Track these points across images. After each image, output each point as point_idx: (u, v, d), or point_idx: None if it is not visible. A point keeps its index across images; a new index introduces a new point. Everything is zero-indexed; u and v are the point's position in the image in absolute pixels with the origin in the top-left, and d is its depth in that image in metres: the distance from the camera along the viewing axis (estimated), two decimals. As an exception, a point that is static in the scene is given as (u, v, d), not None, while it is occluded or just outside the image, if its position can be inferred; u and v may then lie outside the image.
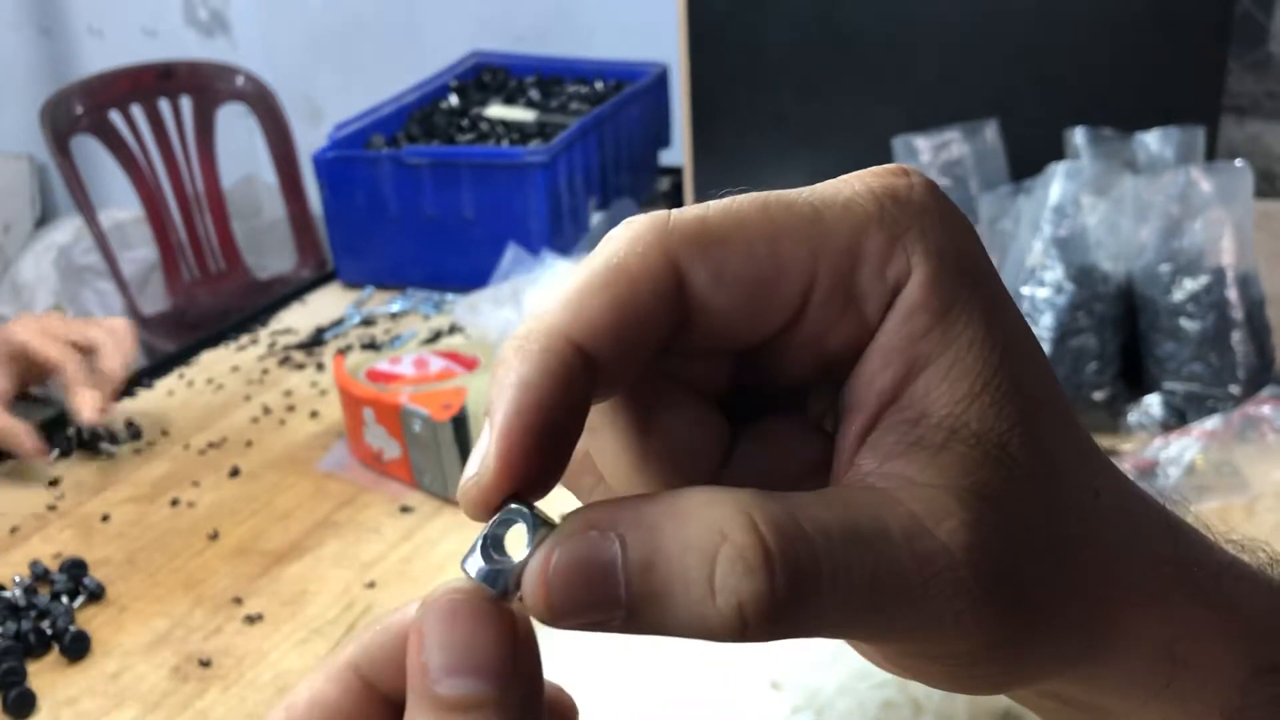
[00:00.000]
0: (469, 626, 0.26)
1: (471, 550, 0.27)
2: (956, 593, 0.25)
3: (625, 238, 0.26)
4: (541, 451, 0.26)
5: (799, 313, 0.27)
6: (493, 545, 0.27)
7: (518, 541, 0.26)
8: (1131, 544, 0.29)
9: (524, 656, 0.26)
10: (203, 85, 2.55)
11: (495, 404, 0.26)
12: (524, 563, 0.26)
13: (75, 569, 1.01)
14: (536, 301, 0.28)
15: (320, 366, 1.39)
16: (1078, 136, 1.26)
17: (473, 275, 1.49)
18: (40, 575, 1.01)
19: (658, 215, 0.27)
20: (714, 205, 0.27)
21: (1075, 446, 0.28)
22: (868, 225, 0.26)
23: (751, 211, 0.26)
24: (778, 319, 0.27)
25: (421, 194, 1.54)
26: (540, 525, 0.26)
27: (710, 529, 0.24)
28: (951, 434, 0.26)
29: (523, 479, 0.26)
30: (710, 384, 0.29)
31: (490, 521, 0.27)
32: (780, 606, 0.24)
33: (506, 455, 0.25)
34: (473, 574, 0.27)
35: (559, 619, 0.25)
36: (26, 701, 0.87)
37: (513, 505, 0.27)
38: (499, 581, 0.26)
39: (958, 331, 0.26)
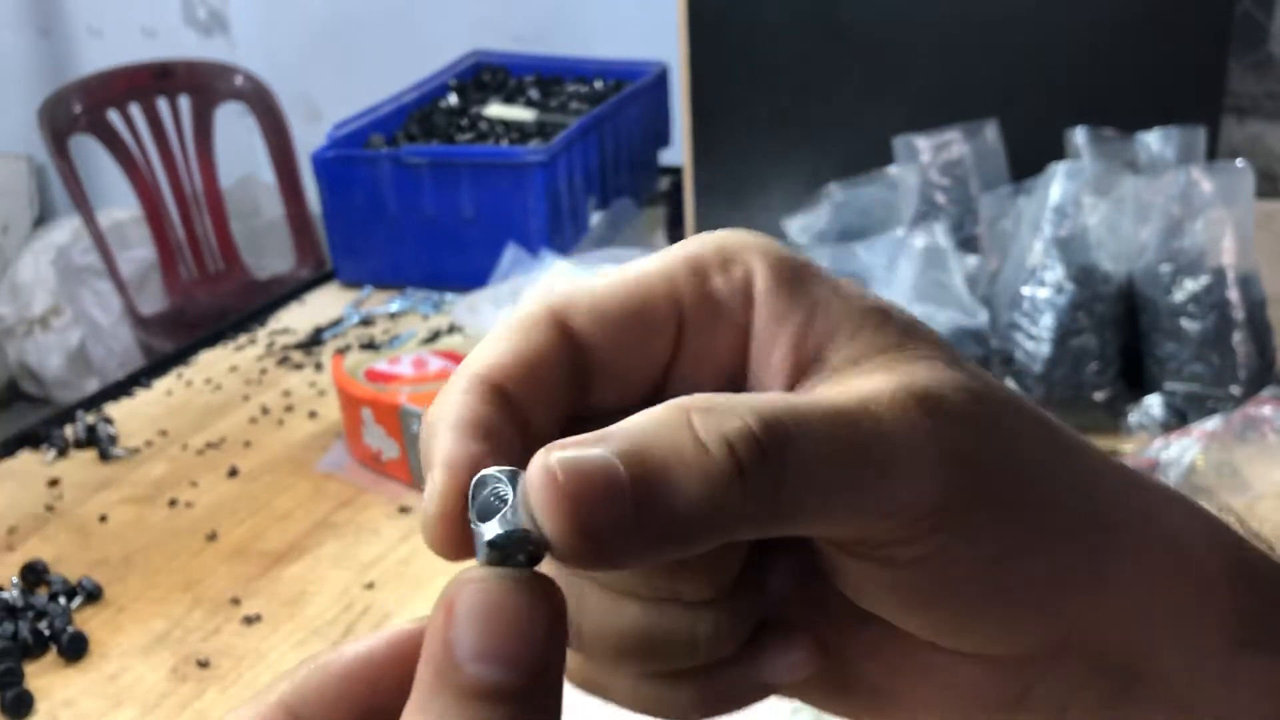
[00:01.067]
0: (515, 612, 0.25)
1: (476, 531, 0.26)
2: (909, 421, 0.27)
3: (514, 311, 0.30)
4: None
5: (681, 336, 0.30)
6: (483, 513, 0.26)
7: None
8: (1064, 432, 0.30)
9: (558, 658, 0.25)
10: (201, 85, 2.55)
11: (439, 437, 0.27)
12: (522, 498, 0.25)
13: (31, 574, 1.00)
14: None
15: (319, 366, 1.39)
16: (1078, 136, 1.25)
17: (472, 275, 1.49)
18: (38, 576, 1.01)
19: (539, 296, 0.30)
20: (582, 281, 0.30)
21: (955, 351, 0.30)
22: (699, 250, 0.30)
23: (610, 272, 0.30)
24: (662, 344, 0.30)
25: (421, 194, 1.54)
26: (517, 476, 0.26)
27: (673, 409, 0.26)
28: (856, 360, 0.29)
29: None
30: None
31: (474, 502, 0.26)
32: (764, 444, 0.25)
33: (454, 469, 0.27)
34: (486, 536, 0.25)
35: (579, 536, 0.25)
36: (24, 702, 0.87)
37: (483, 473, 0.26)
38: (518, 544, 0.25)
39: (814, 294, 0.29)
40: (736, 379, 0.30)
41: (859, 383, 0.28)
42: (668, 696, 0.30)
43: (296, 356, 1.42)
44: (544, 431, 0.29)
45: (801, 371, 0.29)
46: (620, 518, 0.25)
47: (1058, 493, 0.29)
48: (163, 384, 1.38)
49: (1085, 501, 0.29)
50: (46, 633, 0.93)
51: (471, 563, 0.26)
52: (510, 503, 0.25)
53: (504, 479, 0.26)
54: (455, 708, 0.24)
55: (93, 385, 2.86)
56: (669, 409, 0.26)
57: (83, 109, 2.41)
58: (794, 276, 0.30)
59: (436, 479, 0.27)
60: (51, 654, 0.93)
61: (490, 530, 0.25)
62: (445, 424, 0.27)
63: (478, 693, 0.24)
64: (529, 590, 0.25)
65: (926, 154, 1.32)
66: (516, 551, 0.25)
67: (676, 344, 0.30)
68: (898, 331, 0.29)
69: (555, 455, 0.25)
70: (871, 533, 0.27)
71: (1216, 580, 0.31)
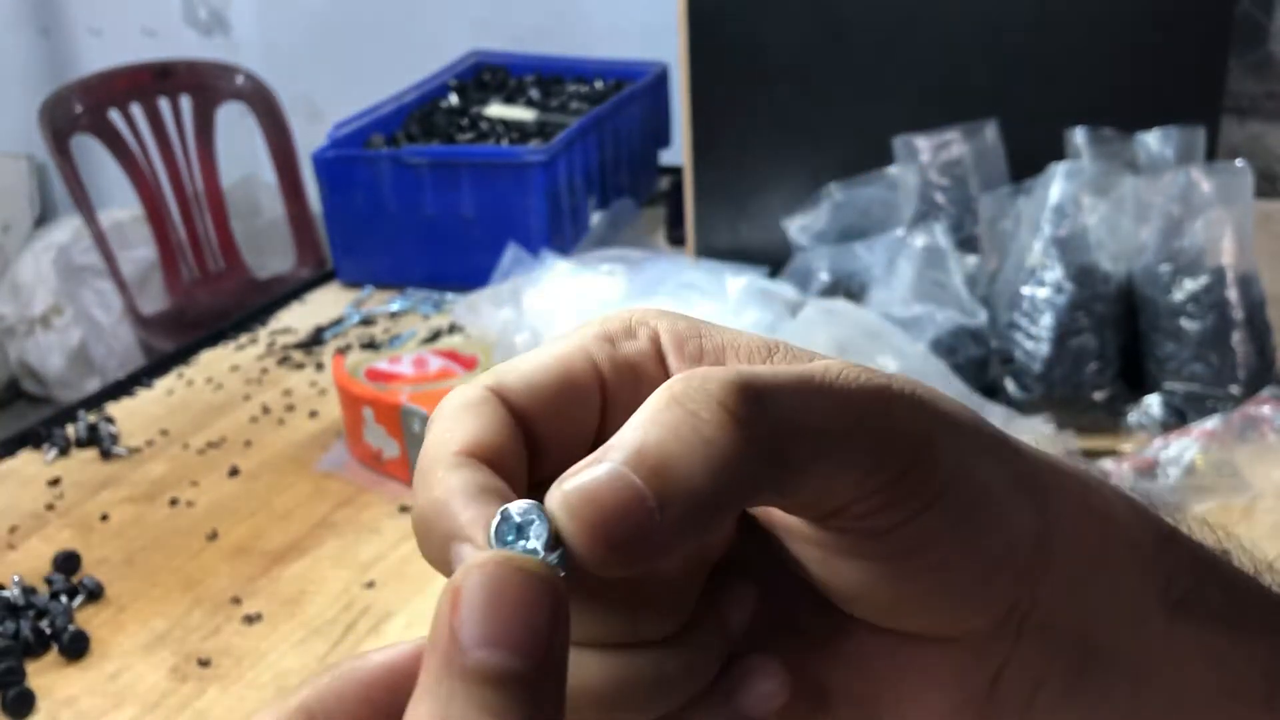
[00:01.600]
0: (519, 597, 0.25)
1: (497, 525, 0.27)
2: (891, 404, 0.29)
3: (453, 393, 0.31)
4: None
5: (606, 399, 0.31)
6: (500, 536, 0.27)
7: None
8: (996, 430, 0.32)
9: (562, 644, 0.25)
10: (202, 84, 2.55)
11: (458, 514, 0.28)
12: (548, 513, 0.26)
13: (68, 563, 1.01)
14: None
15: (319, 366, 1.39)
16: (1078, 136, 1.25)
17: (472, 275, 1.49)
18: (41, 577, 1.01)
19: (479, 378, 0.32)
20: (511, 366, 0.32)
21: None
22: (601, 324, 0.32)
23: (535, 350, 0.32)
24: (593, 407, 0.31)
25: (421, 193, 1.54)
26: (541, 503, 0.27)
27: (656, 395, 0.27)
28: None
29: None
30: None
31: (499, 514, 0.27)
32: (752, 390, 0.27)
33: (485, 490, 0.28)
34: (499, 541, 0.26)
35: (607, 548, 0.26)
36: (25, 701, 0.87)
37: (506, 507, 0.27)
38: (534, 537, 0.26)
39: (716, 339, 0.31)
40: None
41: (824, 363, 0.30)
42: None
43: (297, 356, 1.42)
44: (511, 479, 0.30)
45: None
46: (647, 522, 0.26)
47: (997, 465, 0.31)
48: (164, 383, 1.38)
49: (1021, 474, 0.31)
50: (48, 631, 0.93)
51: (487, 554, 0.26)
52: (540, 517, 0.27)
53: (530, 507, 0.27)
54: (461, 692, 0.24)
55: (94, 384, 2.86)
56: (651, 399, 0.27)
57: (84, 108, 2.41)
58: (691, 331, 0.32)
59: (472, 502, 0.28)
60: (52, 653, 0.93)
61: (508, 529, 0.26)
62: (456, 496, 0.28)
63: (483, 677, 0.24)
64: (534, 576, 0.25)
65: (926, 154, 1.32)
66: (529, 532, 0.26)
67: (603, 409, 0.31)
68: (807, 354, 0.31)
69: (568, 485, 0.26)
70: (864, 487, 0.29)
71: (1145, 547, 0.33)
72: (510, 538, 0.26)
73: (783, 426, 0.27)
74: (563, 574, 0.26)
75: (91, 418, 1.27)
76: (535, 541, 0.26)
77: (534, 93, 1.84)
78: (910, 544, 0.29)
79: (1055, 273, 1.16)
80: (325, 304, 1.58)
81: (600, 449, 0.27)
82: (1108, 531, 0.33)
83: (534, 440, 0.30)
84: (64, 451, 1.22)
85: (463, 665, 0.24)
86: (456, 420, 0.30)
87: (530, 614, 0.25)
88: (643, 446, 0.26)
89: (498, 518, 0.27)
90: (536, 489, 0.28)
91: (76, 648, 0.92)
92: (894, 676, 0.32)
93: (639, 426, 0.27)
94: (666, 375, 0.31)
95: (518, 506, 0.27)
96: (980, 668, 0.32)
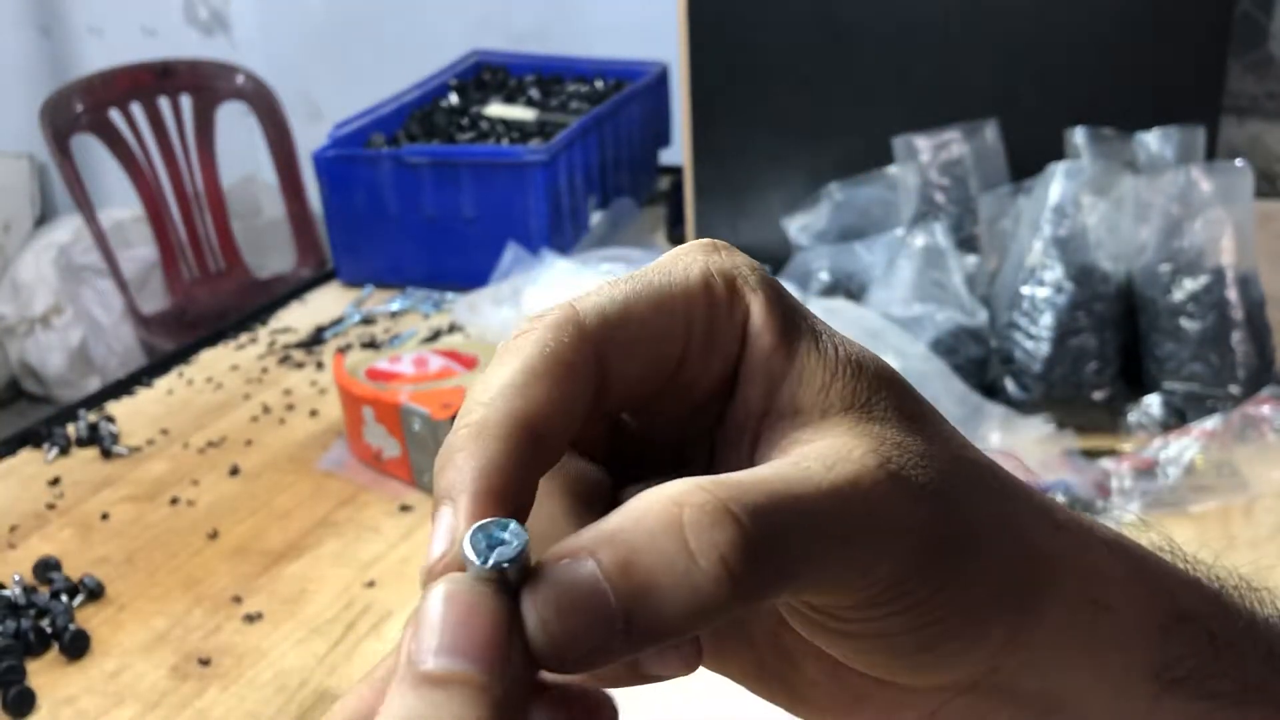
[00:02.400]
0: (463, 609, 0.25)
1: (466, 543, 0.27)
2: (891, 502, 0.28)
3: (550, 327, 0.29)
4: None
5: (679, 365, 0.31)
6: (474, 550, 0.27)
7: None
8: (1016, 491, 0.31)
9: (518, 658, 0.26)
10: (202, 84, 2.55)
11: (457, 490, 0.27)
12: (523, 544, 0.26)
13: (47, 569, 1.01)
14: (474, 388, 0.30)
15: (320, 365, 1.39)
16: (1078, 136, 1.26)
17: (472, 274, 1.49)
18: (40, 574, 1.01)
19: (566, 307, 0.30)
20: (604, 292, 0.30)
21: (931, 413, 0.31)
22: (709, 281, 0.31)
23: (632, 291, 0.30)
24: (666, 372, 0.31)
25: (421, 193, 1.54)
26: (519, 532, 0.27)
27: (666, 507, 0.26)
28: (824, 413, 0.30)
29: None
30: (594, 448, 0.32)
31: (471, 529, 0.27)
32: (756, 547, 0.26)
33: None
34: (471, 558, 0.26)
35: (565, 654, 0.26)
36: (26, 700, 0.87)
37: (483, 522, 0.27)
38: (496, 560, 0.26)
39: (796, 342, 0.30)
40: (700, 415, 0.32)
41: (827, 446, 0.29)
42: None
43: (298, 355, 1.42)
44: (557, 452, 0.30)
45: (776, 414, 0.30)
46: (609, 637, 0.26)
47: (993, 560, 0.30)
48: (164, 383, 1.38)
49: (1018, 566, 0.30)
50: (48, 630, 0.94)
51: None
52: (514, 544, 0.26)
53: (503, 525, 0.27)
54: (415, 699, 0.25)
55: (94, 384, 2.87)
56: (664, 509, 0.26)
57: (84, 108, 2.41)
58: (785, 323, 0.31)
59: (460, 541, 0.27)
60: (53, 652, 0.93)
61: (474, 551, 0.26)
62: (474, 476, 0.27)
63: (436, 682, 0.25)
64: (483, 587, 0.26)
65: (926, 154, 1.32)
66: (496, 552, 0.26)
67: (673, 373, 0.31)
68: (867, 388, 0.30)
69: (545, 583, 0.26)
70: (841, 603, 0.29)
71: (1148, 633, 0.32)
72: (481, 549, 0.26)
73: (779, 578, 0.26)
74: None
75: (92, 417, 1.27)
76: (498, 556, 0.26)
77: (534, 92, 1.84)
78: (882, 629, 0.29)
79: (1055, 273, 1.16)
80: (325, 303, 1.58)
81: (591, 537, 0.26)
82: (1101, 621, 0.32)
83: (605, 381, 0.30)
84: (64, 451, 1.22)
85: (416, 674, 0.25)
86: (541, 373, 0.29)
87: (477, 622, 0.25)
88: (630, 564, 0.26)
89: (474, 533, 0.27)
90: (599, 421, 0.29)
91: (77, 647, 0.92)
92: (835, 688, 0.33)
93: (639, 539, 0.26)
94: (740, 360, 0.30)
95: (493, 522, 0.27)
96: (926, 702, 0.32)
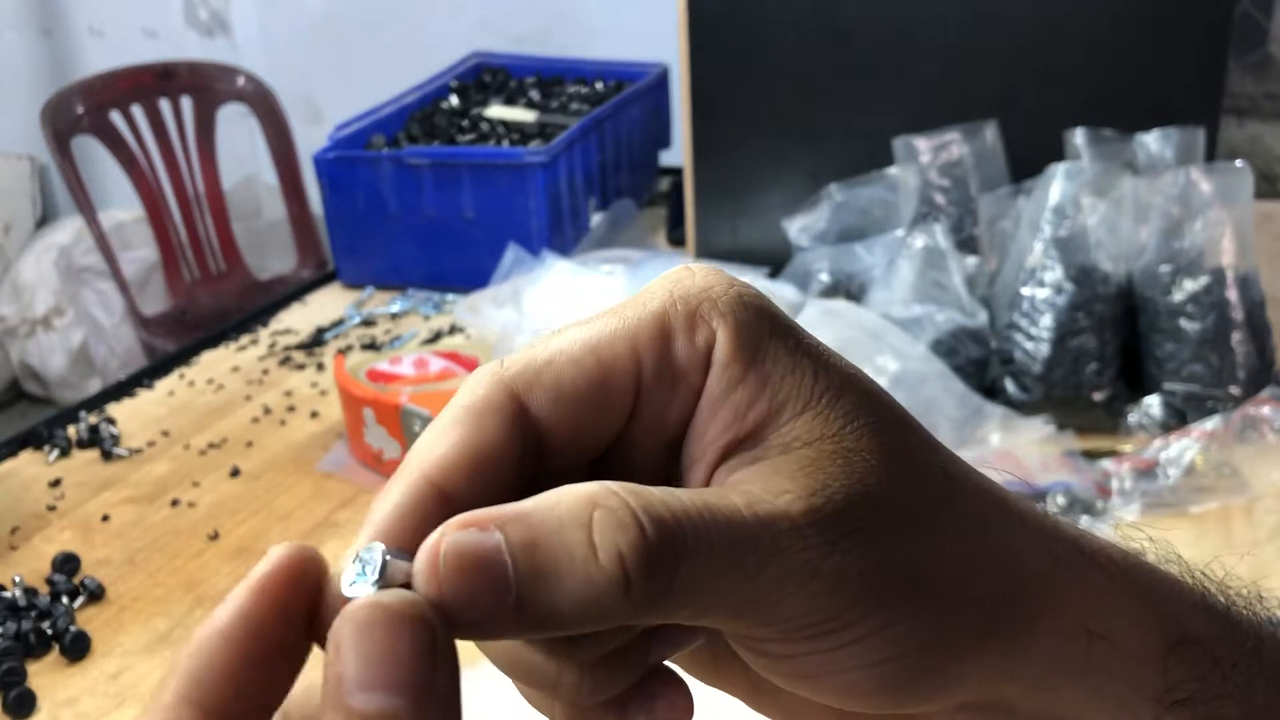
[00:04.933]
0: (387, 638, 0.25)
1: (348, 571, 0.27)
2: (806, 545, 0.27)
3: (468, 383, 0.30)
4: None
5: (636, 403, 0.30)
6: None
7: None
8: (1011, 519, 0.31)
9: (444, 671, 0.25)
10: (203, 85, 2.55)
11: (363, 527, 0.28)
12: (385, 551, 0.26)
13: (68, 564, 1.01)
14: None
15: (320, 367, 1.39)
16: (1078, 137, 1.26)
17: (473, 275, 1.49)
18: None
19: (493, 362, 0.30)
20: (536, 341, 0.30)
21: (914, 437, 0.30)
22: (666, 310, 0.30)
23: (568, 333, 0.30)
24: (621, 413, 0.30)
25: (422, 194, 1.55)
26: (396, 556, 0.27)
27: (580, 502, 0.26)
28: (786, 448, 0.29)
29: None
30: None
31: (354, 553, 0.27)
32: (655, 557, 0.26)
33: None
34: (363, 586, 0.26)
35: (455, 618, 0.26)
36: (26, 701, 0.87)
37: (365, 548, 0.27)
38: (388, 579, 0.26)
39: (768, 370, 0.29)
40: (684, 439, 0.31)
41: (760, 486, 0.28)
42: (541, 702, 0.31)
43: (298, 357, 1.43)
44: (470, 494, 0.29)
45: (737, 444, 0.29)
46: (499, 611, 0.26)
47: (969, 594, 0.29)
48: (165, 384, 1.38)
49: (1002, 598, 0.30)
50: (49, 632, 0.94)
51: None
52: (383, 554, 0.27)
53: (380, 551, 0.27)
54: None
55: (95, 385, 2.87)
56: (576, 502, 0.26)
57: (85, 109, 2.41)
58: (756, 347, 0.29)
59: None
60: (54, 653, 0.93)
61: (360, 586, 0.26)
62: (371, 521, 0.28)
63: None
64: (402, 616, 0.25)
65: (926, 154, 1.32)
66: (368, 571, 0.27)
67: (631, 411, 0.30)
68: (842, 416, 0.29)
69: (450, 539, 0.26)
70: (759, 634, 0.28)
71: (1149, 660, 0.31)
72: (356, 578, 0.27)
73: (676, 595, 0.26)
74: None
75: (93, 418, 1.27)
76: (370, 579, 0.26)
77: (534, 94, 1.84)
78: (815, 667, 0.29)
79: (1055, 273, 1.16)
80: (326, 305, 1.58)
81: (502, 513, 0.26)
82: (1098, 650, 0.31)
83: (544, 445, 0.30)
84: (65, 452, 1.22)
85: (349, 710, 0.25)
86: (452, 426, 0.29)
87: (402, 651, 0.25)
88: (534, 545, 0.26)
89: (347, 560, 0.27)
90: (534, 486, 0.29)
91: (78, 648, 0.92)
92: (804, 707, 0.33)
93: (547, 523, 0.26)
94: (703, 383, 0.30)
95: (366, 550, 0.27)
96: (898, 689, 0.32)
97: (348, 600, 0.26)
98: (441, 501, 0.28)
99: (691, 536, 0.26)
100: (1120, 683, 0.31)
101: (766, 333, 0.30)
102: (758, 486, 0.28)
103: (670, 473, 0.32)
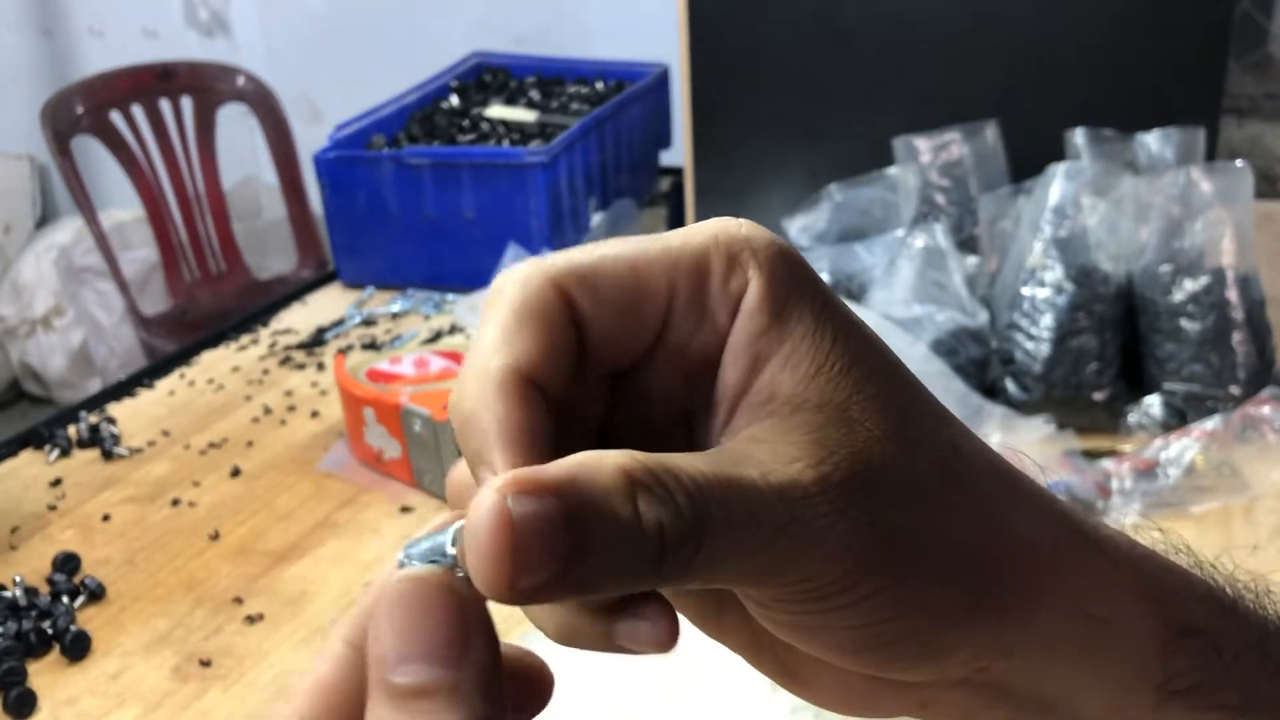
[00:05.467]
0: (419, 611, 0.26)
1: (414, 542, 0.28)
2: (816, 514, 0.28)
3: (518, 281, 0.30)
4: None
5: (663, 327, 0.31)
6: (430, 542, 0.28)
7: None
8: (1020, 498, 0.31)
9: (478, 640, 0.26)
10: (203, 86, 2.55)
11: (485, 451, 0.28)
12: (460, 529, 0.27)
13: (69, 564, 1.01)
14: (468, 359, 0.31)
15: (321, 366, 1.39)
16: (1078, 137, 1.26)
17: (473, 275, 1.49)
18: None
19: (536, 260, 0.31)
20: (583, 248, 0.31)
21: (923, 411, 0.31)
22: (709, 249, 0.31)
23: (613, 247, 0.31)
24: (648, 333, 0.31)
25: (422, 194, 1.55)
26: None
27: (619, 473, 0.27)
28: (796, 408, 0.30)
29: None
30: (590, 414, 0.33)
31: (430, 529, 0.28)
32: (688, 530, 0.26)
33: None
34: (416, 552, 0.27)
35: (515, 583, 0.26)
36: (27, 701, 0.87)
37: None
38: (444, 556, 0.27)
39: (791, 327, 0.30)
40: (697, 381, 0.32)
41: (772, 452, 0.29)
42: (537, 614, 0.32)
43: (298, 356, 1.43)
44: (556, 399, 0.30)
45: (754, 393, 0.30)
46: (551, 575, 0.26)
47: (962, 566, 0.30)
48: (165, 384, 1.38)
49: (998, 572, 0.30)
50: (49, 632, 0.94)
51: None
52: (452, 527, 0.27)
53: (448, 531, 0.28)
54: (395, 713, 0.26)
55: (95, 385, 2.87)
56: (616, 471, 0.27)
57: (85, 109, 2.41)
58: (784, 301, 0.30)
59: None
60: (54, 653, 0.93)
61: (416, 548, 0.27)
62: (498, 432, 0.28)
63: (411, 693, 0.26)
64: (436, 587, 0.26)
65: (926, 154, 1.32)
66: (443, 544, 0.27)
67: (660, 331, 0.31)
68: (851, 385, 0.30)
69: (513, 506, 0.26)
70: (774, 597, 0.29)
71: (1150, 648, 0.32)
72: (421, 547, 0.27)
73: (705, 563, 0.27)
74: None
75: (93, 418, 1.27)
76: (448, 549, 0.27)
77: (535, 94, 1.84)
78: (818, 624, 0.29)
79: (1055, 273, 1.16)
80: (326, 305, 1.58)
81: (556, 476, 0.26)
82: (1096, 634, 0.31)
83: (585, 342, 0.30)
84: (66, 452, 1.22)
85: (390, 686, 0.26)
86: (517, 324, 0.30)
87: (435, 623, 0.26)
88: (583, 514, 0.26)
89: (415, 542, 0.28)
90: (594, 382, 0.30)
91: (78, 648, 0.92)
92: (819, 670, 0.33)
93: (590, 489, 0.26)
94: (728, 334, 0.30)
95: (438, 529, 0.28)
96: (908, 692, 0.32)
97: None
98: (541, 397, 0.29)
99: (716, 508, 0.27)
100: (1119, 668, 0.32)
101: (797, 290, 0.30)
102: (768, 454, 0.29)
103: (686, 407, 0.32)
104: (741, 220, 0.32)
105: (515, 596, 0.26)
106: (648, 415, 0.33)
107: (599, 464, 0.27)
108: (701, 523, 0.27)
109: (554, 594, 0.26)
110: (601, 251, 0.31)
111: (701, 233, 0.31)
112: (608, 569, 0.26)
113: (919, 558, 0.29)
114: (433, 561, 0.27)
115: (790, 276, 0.31)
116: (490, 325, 0.30)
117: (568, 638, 0.31)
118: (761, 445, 0.29)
